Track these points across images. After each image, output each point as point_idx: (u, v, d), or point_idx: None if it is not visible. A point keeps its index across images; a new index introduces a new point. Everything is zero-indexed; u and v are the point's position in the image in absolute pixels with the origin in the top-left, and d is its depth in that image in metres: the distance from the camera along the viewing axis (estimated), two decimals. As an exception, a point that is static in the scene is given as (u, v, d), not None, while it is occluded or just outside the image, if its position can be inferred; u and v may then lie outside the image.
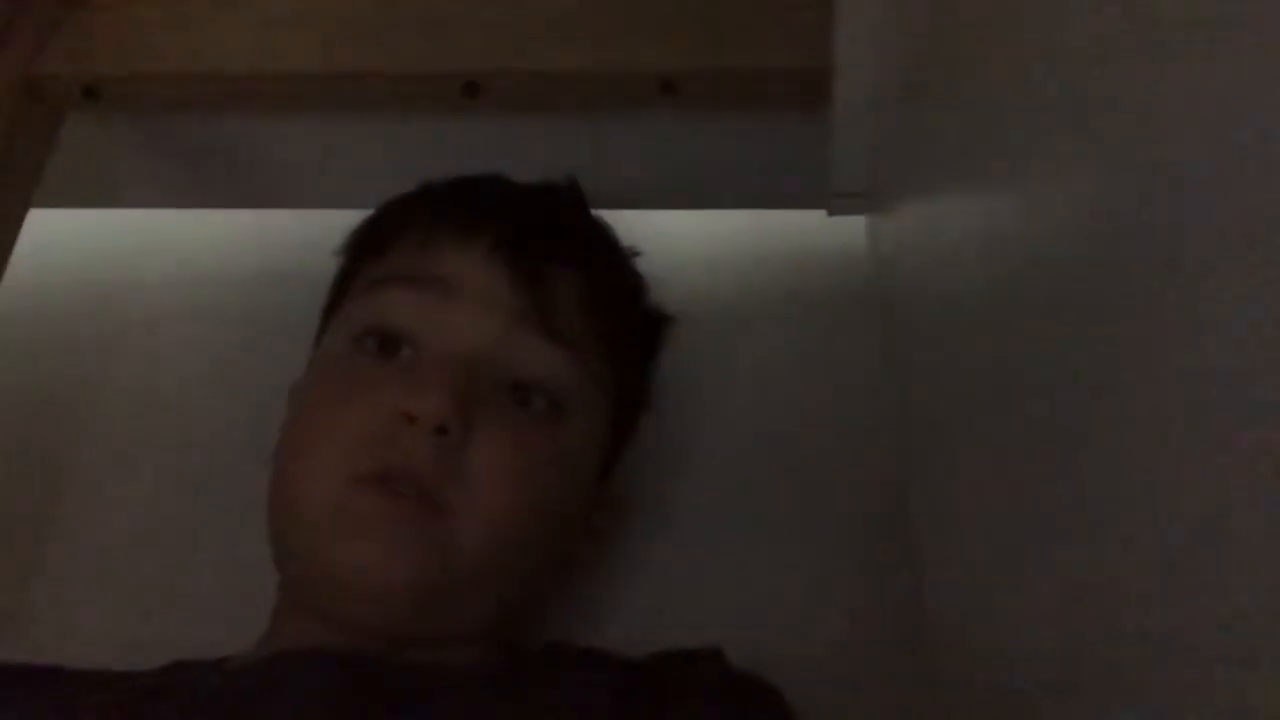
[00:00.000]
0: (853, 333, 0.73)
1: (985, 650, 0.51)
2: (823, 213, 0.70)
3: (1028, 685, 0.45)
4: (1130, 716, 0.35)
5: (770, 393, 0.73)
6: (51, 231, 0.75)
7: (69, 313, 0.77)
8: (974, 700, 0.52)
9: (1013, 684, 0.47)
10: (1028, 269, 0.43)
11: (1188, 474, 0.28)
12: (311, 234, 0.69)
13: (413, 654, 0.53)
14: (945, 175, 0.56)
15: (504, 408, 0.55)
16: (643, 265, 0.67)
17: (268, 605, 0.57)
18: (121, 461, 0.71)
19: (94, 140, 0.73)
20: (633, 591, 0.67)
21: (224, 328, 0.76)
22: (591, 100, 0.68)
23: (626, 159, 0.73)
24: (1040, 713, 0.44)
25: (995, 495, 0.48)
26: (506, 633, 0.58)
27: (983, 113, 0.48)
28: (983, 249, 0.49)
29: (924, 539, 0.61)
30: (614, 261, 0.66)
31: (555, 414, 0.57)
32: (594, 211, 0.66)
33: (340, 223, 0.65)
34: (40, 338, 0.75)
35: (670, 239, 0.77)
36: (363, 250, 0.63)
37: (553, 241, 0.60)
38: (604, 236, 0.66)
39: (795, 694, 0.55)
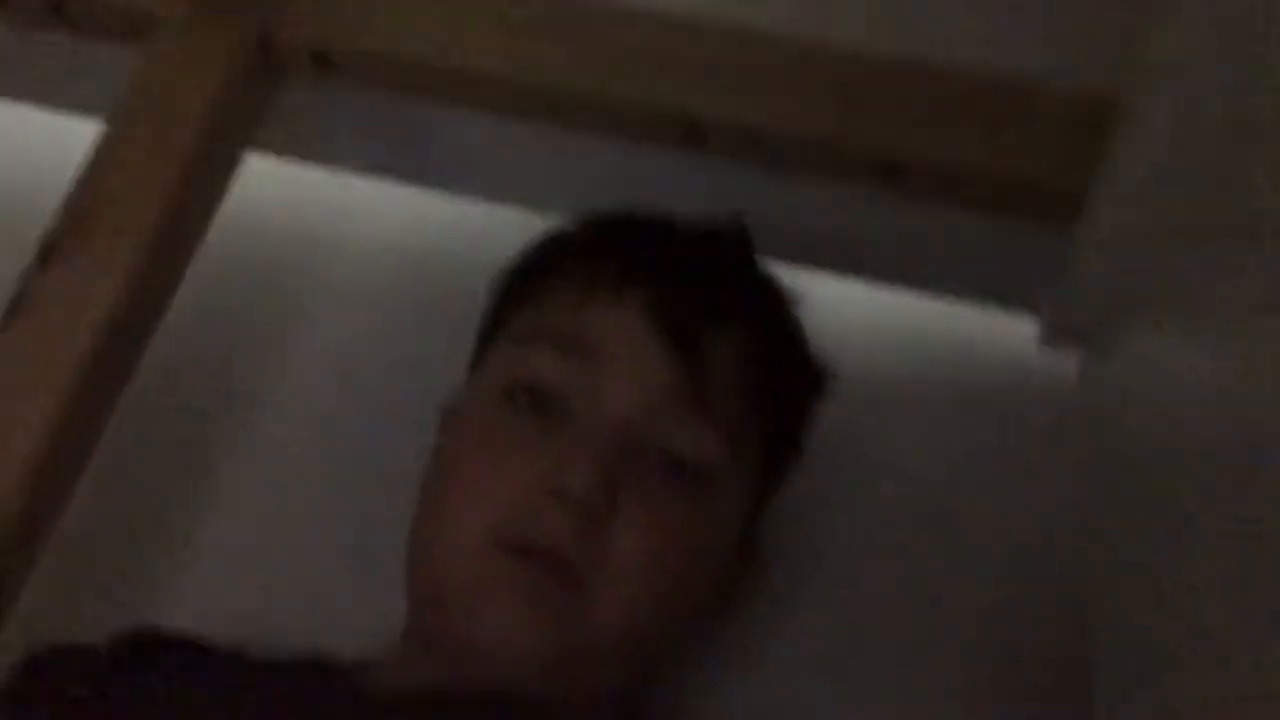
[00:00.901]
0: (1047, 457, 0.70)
1: None
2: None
3: None
4: None
5: (937, 497, 0.70)
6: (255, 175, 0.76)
7: (265, 257, 0.77)
8: None
9: None
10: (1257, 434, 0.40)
11: None
12: (496, 227, 0.70)
13: (542, 706, 0.52)
14: (1179, 324, 0.52)
15: (651, 479, 0.54)
16: (834, 335, 0.64)
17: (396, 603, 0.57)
18: (283, 423, 0.72)
19: (310, 101, 0.73)
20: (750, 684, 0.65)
21: (402, 302, 0.76)
22: (817, 168, 0.65)
23: (844, 227, 0.70)
24: None
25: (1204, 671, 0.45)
26: (633, 699, 0.58)
27: (1228, 258, 0.45)
28: (1211, 401, 0.47)
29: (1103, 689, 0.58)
30: (775, 315, 0.63)
31: (703, 487, 0.55)
32: (757, 258, 0.63)
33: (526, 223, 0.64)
34: (237, 277, 0.76)
35: (871, 314, 0.74)
36: (516, 295, 0.62)
37: (711, 298, 0.58)
38: (766, 288, 0.63)
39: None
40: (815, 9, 0.65)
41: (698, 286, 0.58)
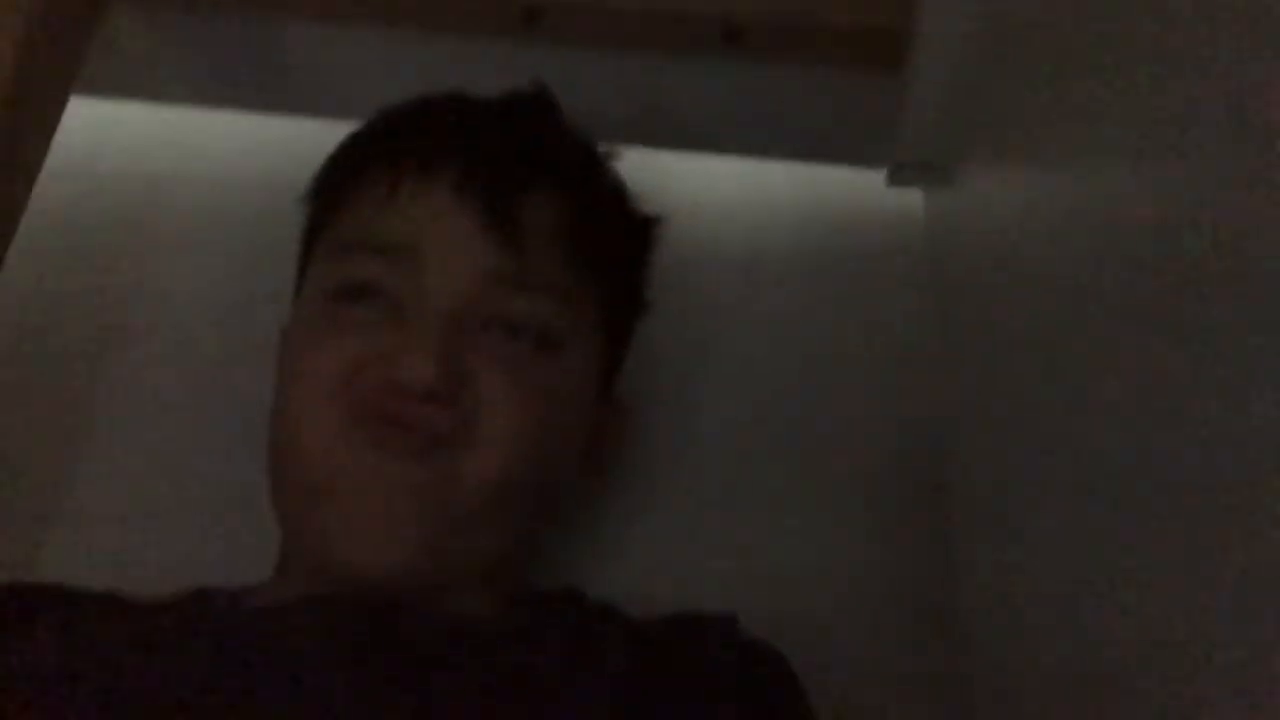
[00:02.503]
0: (896, 298, 0.73)
1: (1019, 628, 0.51)
2: (881, 174, 0.68)
3: (1057, 672, 0.46)
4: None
5: (802, 348, 0.72)
6: (88, 119, 0.73)
7: (105, 203, 0.75)
8: (1002, 676, 0.53)
9: (1043, 666, 0.48)
10: (1101, 259, 0.42)
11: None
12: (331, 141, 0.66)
13: (423, 596, 0.52)
14: (1019, 154, 0.55)
15: (496, 344, 0.54)
16: (689, 210, 0.66)
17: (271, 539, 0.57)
18: (148, 363, 0.71)
19: (131, 32, 0.71)
20: (637, 545, 0.67)
21: (247, 231, 0.75)
22: (652, 40, 0.66)
23: (683, 101, 0.72)
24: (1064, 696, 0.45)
25: (1050, 478, 0.48)
26: (511, 572, 0.58)
27: (1068, 92, 0.47)
28: (1054, 232, 0.49)
29: (960, 511, 0.61)
30: (589, 174, 0.62)
31: (547, 347, 0.55)
32: (563, 121, 0.62)
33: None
34: (77, 225, 0.74)
35: (718, 185, 0.75)
36: (328, 203, 0.60)
37: (520, 167, 0.57)
38: (578, 148, 0.62)
39: (804, 662, 0.55)
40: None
41: (505, 157, 0.57)
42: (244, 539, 0.60)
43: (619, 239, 0.62)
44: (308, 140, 0.75)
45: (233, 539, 0.64)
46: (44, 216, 0.67)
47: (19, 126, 0.62)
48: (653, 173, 0.67)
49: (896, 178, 0.65)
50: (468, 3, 0.65)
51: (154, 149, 0.78)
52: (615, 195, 0.63)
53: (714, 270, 0.73)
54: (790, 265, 0.75)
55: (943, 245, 0.66)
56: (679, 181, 0.75)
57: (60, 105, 0.66)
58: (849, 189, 0.75)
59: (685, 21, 0.64)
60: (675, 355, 0.71)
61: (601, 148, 0.63)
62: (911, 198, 0.71)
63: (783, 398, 0.71)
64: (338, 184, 0.60)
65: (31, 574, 0.61)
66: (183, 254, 0.75)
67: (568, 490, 0.60)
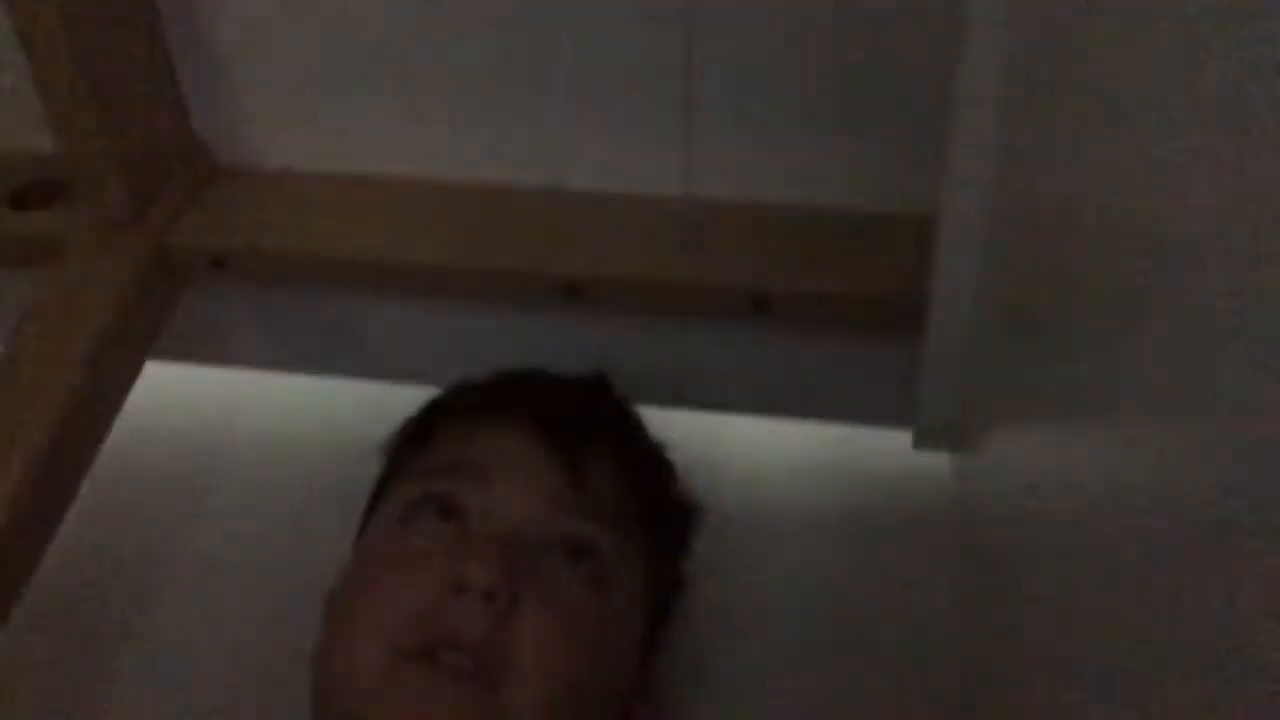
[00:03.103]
0: (924, 560, 0.74)
1: None
2: (908, 434, 0.70)
3: None
4: None
5: (830, 610, 0.73)
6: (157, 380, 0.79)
7: (167, 461, 0.80)
8: None
9: None
10: (1130, 524, 0.43)
11: None
12: (390, 405, 0.71)
13: None
14: (1042, 416, 0.56)
15: (550, 572, 0.56)
16: (718, 469, 0.69)
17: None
18: (181, 625, 0.73)
19: (211, 304, 0.77)
20: None
21: (306, 493, 0.78)
22: (684, 309, 0.71)
23: (715, 366, 0.75)
24: None
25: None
26: None
27: (1082, 356, 0.49)
28: (1079, 493, 0.49)
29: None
30: (644, 448, 0.69)
31: (599, 580, 0.58)
32: (624, 403, 0.69)
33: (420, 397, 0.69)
34: (130, 481, 0.78)
35: (750, 445, 0.78)
36: (405, 446, 0.66)
37: (585, 424, 0.63)
38: (634, 425, 0.69)
39: None
40: (675, 169, 0.71)
41: (573, 407, 0.65)
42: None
43: (668, 510, 0.68)
44: (369, 402, 0.81)
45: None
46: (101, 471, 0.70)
47: (96, 393, 0.67)
48: (683, 432, 0.71)
49: (922, 441, 0.67)
50: (516, 279, 0.71)
51: (213, 410, 0.83)
52: (667, 472, 0.69)
53: (742, 530, 0.75)
54: (818, 525, 0.76)
55: (970, 507, 0.67)
56: (710, 443, 0.78)
57: (133, 378, 0.72)
58: (876, 449, 0.77)
59: (715, 292, 0.69)
60: (701, 613, 0.71)
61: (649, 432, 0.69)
62: (938, 459, 0.73)
63: (808, 661, 0.71)
64: (413, 435, 0.66)
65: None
66: (231, 515, 0.78)
67: None
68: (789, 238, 0.71)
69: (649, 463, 0.68)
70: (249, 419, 0.83)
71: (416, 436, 0.66)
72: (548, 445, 0.60)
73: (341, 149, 0.75)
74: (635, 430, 0.69)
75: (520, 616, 0.54)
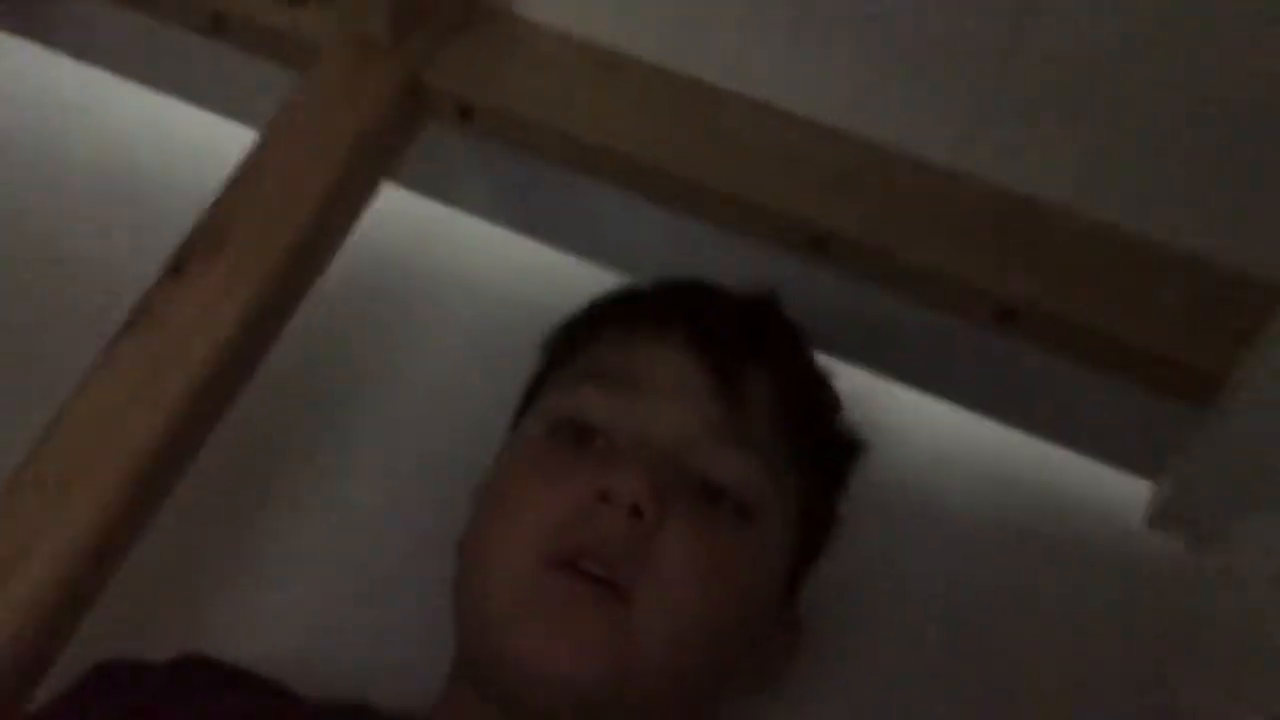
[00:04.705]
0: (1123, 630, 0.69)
1: None
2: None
3: None
4: None
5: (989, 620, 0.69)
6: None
7: (381, 285, 0.79)
8: None
9: None
10: None
11: None
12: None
13: None
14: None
15: (696, 503, 0.54)
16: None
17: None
18: (379, 450, 0.73)
19: (448, 145, 0.74)
20: None
21: (504, 343, 0.75)
22: (935, 302, 0.65)
23: (953, 354, 0.70)
24: None
25: None
26: None
27: None
28: None
29: None
30: (810, 372, 0.64)
31: (744, 518, 0.56)
32: (792, 326, 0.65)
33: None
34: (352, 301, 0.77)
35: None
36: (560, 348, 0.64)
37: (751, 339, 0.60)
38: (801, 350, 0.65)
39: None
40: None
41: (734, 326, 0.61)
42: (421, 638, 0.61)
43: (828, 441, 0.63)
44: (573, 279, 0.79)
45: (409, 637, 0.65)
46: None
47: (327, 228, 0.66)
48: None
49: (1158, 521, 0.61)
50: (767, 219, 0.65)
51: (434, 246, 0.81)
52: (831, 402, 0.64)
53: (915, 511, 0.72)
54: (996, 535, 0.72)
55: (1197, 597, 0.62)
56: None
57: (365, 205, 0.70)
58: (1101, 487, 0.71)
59: (966, 293, 0.63)
60: (859, 581, 0.69)
61: (821, 357, 0.65)
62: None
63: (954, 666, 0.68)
64: (573, 334, 0.64)
65: (202, 639, 0.63)
66: (423, 349, 0.77)
67: (728, 690, 0.59)
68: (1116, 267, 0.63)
69: (812, 392, 0.64)
70: (467, 263, 0.81)
71: (573, 338, 0.64)
72: (706, 363, 0.57)
73: (619, 23, 0.69)
74: (801, 356, 0.65)
75: (664, 540, 0.52)
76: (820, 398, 0.64)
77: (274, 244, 0.63)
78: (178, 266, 0.62)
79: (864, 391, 0.69)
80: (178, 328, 0.60)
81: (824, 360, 0.66)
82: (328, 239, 0.67)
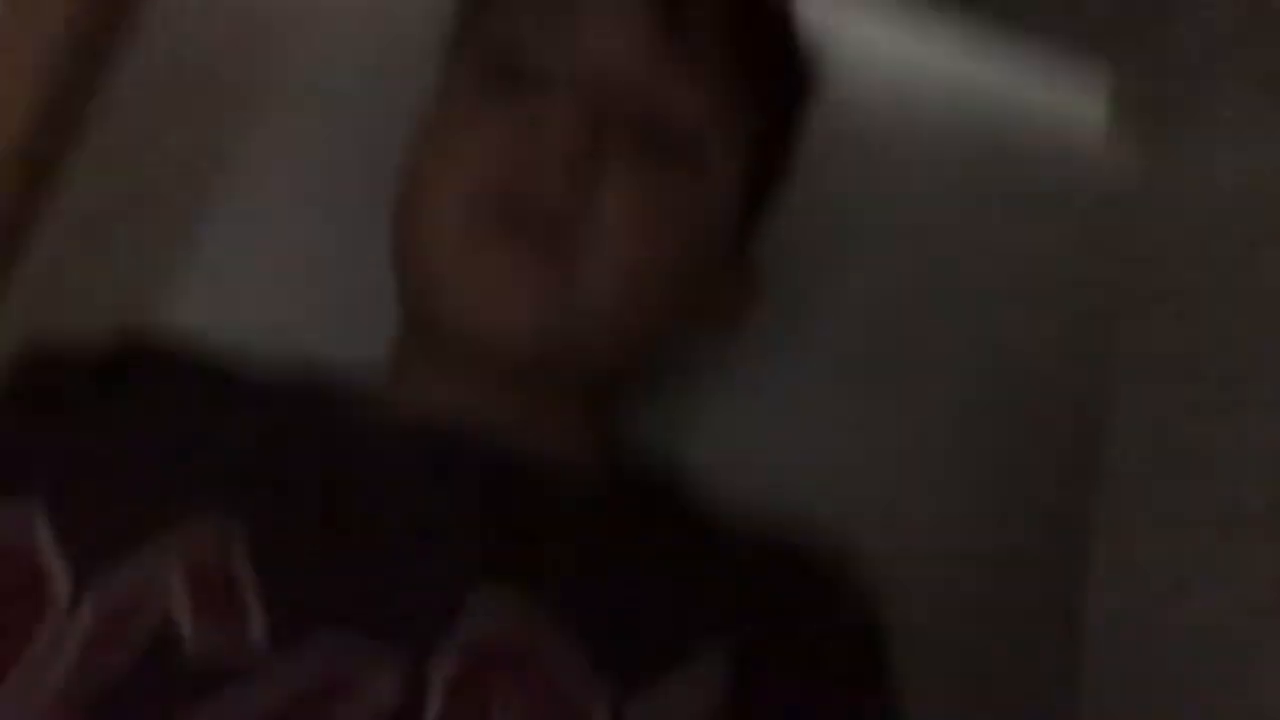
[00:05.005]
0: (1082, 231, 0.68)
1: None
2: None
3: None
4: None
5: (956, 240, 0.68)
6: None
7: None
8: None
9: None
10: None
11: None
12: None
13: (524, 410, 0.52)
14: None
15: (637, 145, 0.51)
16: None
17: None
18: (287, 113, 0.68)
19: None
20: (742, 417, 0.65)
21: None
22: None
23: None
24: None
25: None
26: (611, 419, 0.57)
27: None
28: None
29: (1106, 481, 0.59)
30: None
31: (690, 157, 0.52)
32: None
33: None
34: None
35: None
36: None
37: None
38: None
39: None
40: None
41: None
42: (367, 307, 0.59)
43: (784, 67, 0.58)
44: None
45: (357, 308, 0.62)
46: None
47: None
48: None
49: (1117, 113, 0.58)
50: None
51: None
52: (786, 21, 0.59)
53: (874, 143, 0.69)
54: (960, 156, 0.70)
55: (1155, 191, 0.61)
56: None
57: None
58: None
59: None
60: (816, 224, 0.67)
61: None
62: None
63: (925, 293, 0.68)
64: None
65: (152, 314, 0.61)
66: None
67: (682, 338, 0.58)
68: None
69: (767, 15, 0.58)
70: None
71: None
72: None
73: None
74: None
75: (603, 191, 0.49)
76: (776, 23, 0.59)
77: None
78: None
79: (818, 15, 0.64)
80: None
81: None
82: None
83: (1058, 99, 0.69)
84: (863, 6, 0.70)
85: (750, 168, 0.56)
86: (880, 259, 0.68)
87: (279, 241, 0.66)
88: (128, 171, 0.64)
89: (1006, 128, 0.69)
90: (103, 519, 0.45)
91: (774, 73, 0.57)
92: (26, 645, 0.42)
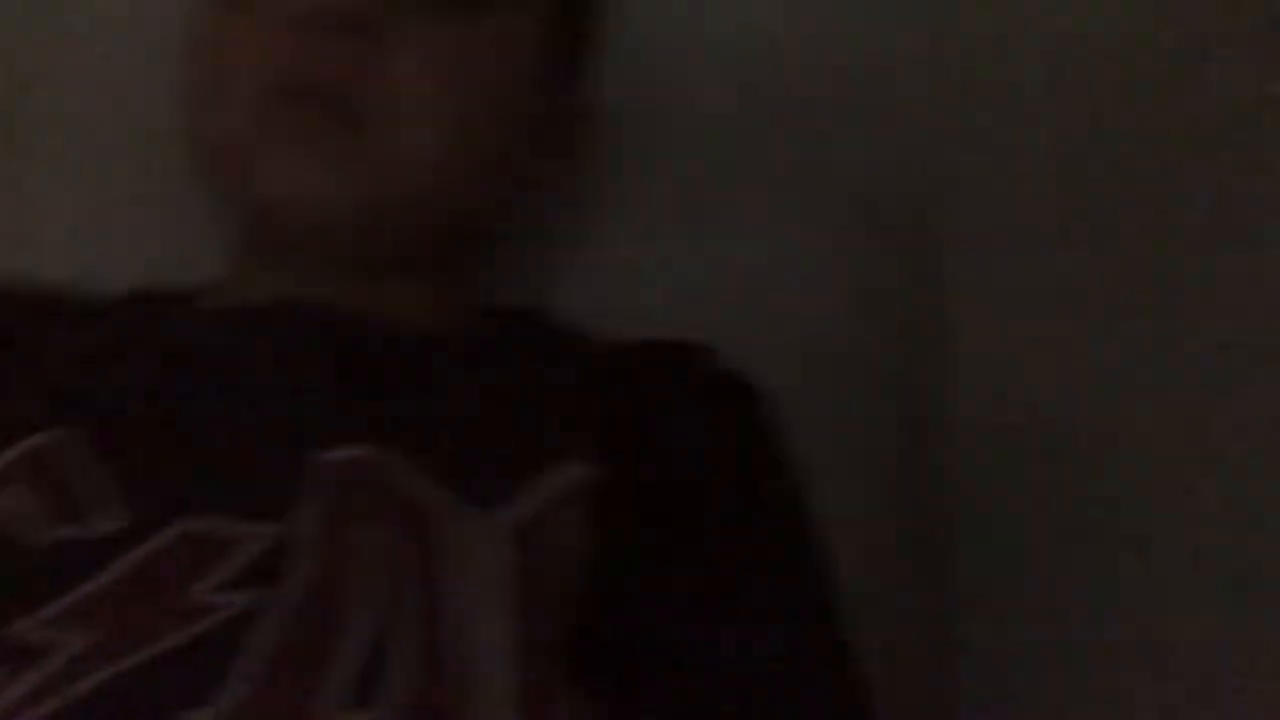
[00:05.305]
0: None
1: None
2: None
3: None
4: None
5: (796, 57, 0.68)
6: None
7: None
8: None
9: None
10: None
11: None
12: None
13: (369, 293, 0.51)
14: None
15: (422, 3, 0.50)
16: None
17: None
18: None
19: None
20: (608, 248, 0.65)
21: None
22: None
23: None
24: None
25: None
26: (460, 275, 0.56)
27: None
28: None
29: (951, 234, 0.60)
30: None
31: (478, 8, 0.51)
32: None
33: None
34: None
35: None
36: None
37: None
38: None
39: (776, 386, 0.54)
40: None
41: None
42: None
43: None
44: None
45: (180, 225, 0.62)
46: None
47: None
48: None
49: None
50: None
51: None
52: None
53: None
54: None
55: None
56: None
57: None
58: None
59: None
60: (655, 51, 0.66)
61: None
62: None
63: (769, 105, 0.67)
64: None
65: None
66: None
67: (518, 184, 0.57)
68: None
69: None
70: None
71: None
72: None
73: None
74: None
75: (390, 51, 0.48)
76: None
77: None
78: None
79: None
80: None
81: None
82: None
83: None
84: None
85: (547, 10, 0.54)
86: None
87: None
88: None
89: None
90: None
91: None
92: None
